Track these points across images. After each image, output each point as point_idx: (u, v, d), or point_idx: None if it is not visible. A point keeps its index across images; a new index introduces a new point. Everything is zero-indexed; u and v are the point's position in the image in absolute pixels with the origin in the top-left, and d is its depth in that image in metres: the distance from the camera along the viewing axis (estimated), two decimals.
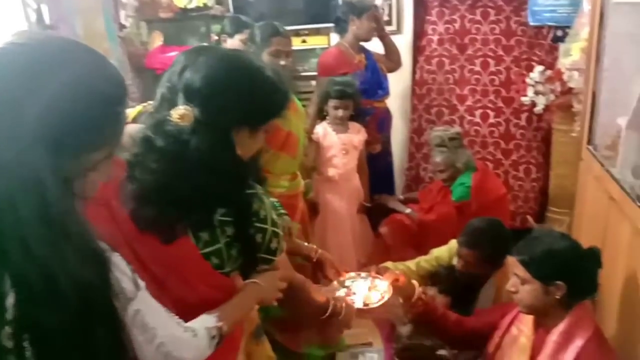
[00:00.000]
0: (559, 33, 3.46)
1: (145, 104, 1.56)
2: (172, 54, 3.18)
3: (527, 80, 3.48)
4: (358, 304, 1.76)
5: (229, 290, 1.20)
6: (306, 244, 1.94)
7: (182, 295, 1.13)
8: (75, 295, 0.74)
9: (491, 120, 3.71)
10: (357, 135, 2.94)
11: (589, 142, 2.39)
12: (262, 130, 1.21)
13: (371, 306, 1.78)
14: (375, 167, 3.21)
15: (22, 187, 0.72)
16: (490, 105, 3.71)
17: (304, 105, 2.68)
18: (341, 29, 3.29)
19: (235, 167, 1.14)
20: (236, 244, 1.17)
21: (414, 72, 3.86)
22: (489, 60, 3.68)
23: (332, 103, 2.84)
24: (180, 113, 1.08)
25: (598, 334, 1.59)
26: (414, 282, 1.94)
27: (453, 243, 2.27)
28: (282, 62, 2.39)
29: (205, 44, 3.45)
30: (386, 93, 3.38)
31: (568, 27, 3.24)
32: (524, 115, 3.64)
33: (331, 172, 2.88)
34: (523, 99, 3.54)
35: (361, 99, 2.96)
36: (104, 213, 1.08)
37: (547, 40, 3.55)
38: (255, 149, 1.23)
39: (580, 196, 2.53)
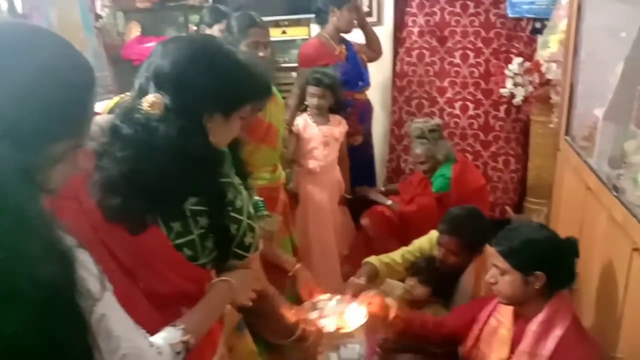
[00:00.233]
0: (538, 25, 3.50)
1: (122, 95, 1.53)
2: (150, 44, 3.12)
3: (506, 72, 3.51)
4: (329, 328, 1.67)
5: (204, 282, 1.16)
6: (284, 256, 1.88)
7: (154, 287, 1.11)
8: (36, 296, 0.66)
9: (470, 112, 3.74)
10: (337, 127, 2.92)
11: (567, 133, 2.42)
12: (236, 117, 1.17)
13: (344, 331, 1.70)
14: (356, 158, 3.21)
15: None
16: (469, 97, 3.73)
17: (284, 97, 2.66)
18: (322, 20, 3.28)
19: (206, 154, 1.10)
20: (211, 236, 1.13)
21: (394, 64, 3.87)
22: (469, 52, 3.70)
23: (310, 90, 2.82)
24: (150, 101, 1.05)
25: (576, 322, 1.61)
26: (389, 300, 1.92)
27: (433, 233, 2.28)
28: (261, 54, 2.37)
29: (183, 34, 3.41)
30: (367, 84, 3.38)
31: (546, 19, 3.28)
32: (502, 107, 3.67)
33: (312, 164, 2.87)
34: (502, 90, 3.57)
35: (342, 91, 2.94)
36: (73, 207, 1.05)
37: (526, 33, 3.59)
38: (230, 137, 1.20)
39: (558, 186, 2.56)
